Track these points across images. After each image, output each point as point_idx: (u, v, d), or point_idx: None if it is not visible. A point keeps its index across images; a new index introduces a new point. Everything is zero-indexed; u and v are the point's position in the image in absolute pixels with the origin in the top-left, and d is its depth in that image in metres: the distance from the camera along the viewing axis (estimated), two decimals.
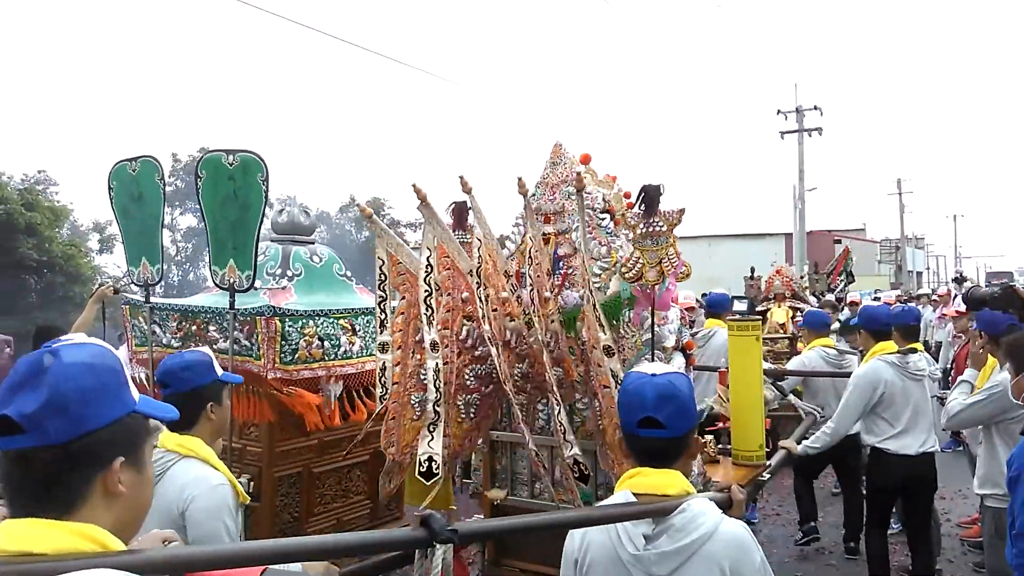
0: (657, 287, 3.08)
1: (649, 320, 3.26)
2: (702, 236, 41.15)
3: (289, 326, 4.13)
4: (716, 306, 6.93)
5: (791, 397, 5.45)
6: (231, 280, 4.08)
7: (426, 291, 3.01)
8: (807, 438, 4.88)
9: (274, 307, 4.15)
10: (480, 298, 3.04)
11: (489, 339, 2.99)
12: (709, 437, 4.26)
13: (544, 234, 3.55)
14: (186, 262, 38.28)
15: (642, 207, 3.10)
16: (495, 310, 3.17)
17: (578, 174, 3.45)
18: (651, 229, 3.06)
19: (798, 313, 8.05)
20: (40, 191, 28.34)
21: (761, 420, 4.15)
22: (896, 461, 4.66)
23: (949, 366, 9.41)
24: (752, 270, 9.42)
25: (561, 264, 3.57)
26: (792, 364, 5.89)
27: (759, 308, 8.71)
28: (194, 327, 4.49)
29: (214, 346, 4.25)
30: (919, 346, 5.07)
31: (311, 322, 4.26)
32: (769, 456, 4.23)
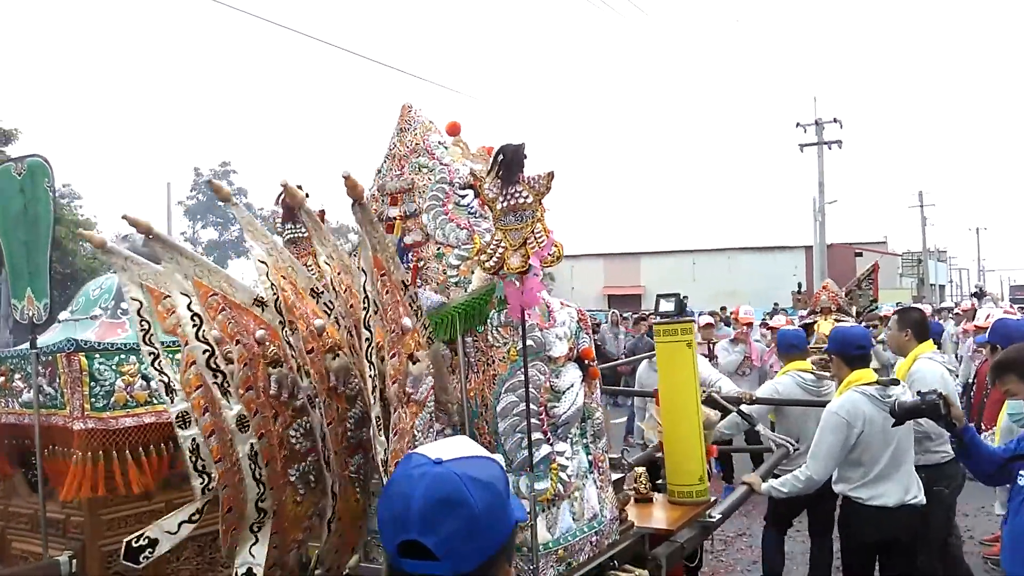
0: (524, 276, 2.52)
1: (531, 322, 2.76)
2: (722, 249, 43.09)
3: (100, 363, 3.35)
4: None
5: (761, 428, 5.15)
6: (30, 313, 3.54)
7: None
8: (778, 475, 4.44)
9: (76, 340, 3.37)
10: (285, 339, 2.55)
11: (309, 397, 2.57)
12: (640, 469, 3.92)
13: (388, 219, 3.09)
14: None
15: (499, 174, 2.61)
16: (310, 350, 2.62)
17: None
18: (513, 202, 2.56)
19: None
20: (64, 204, 30.94)
21: (700, 447, 3.72)
22: (870, 514, 4.05)
23: (971, 380, 9.62)
24: (800, 285, 11.49)
25: (409, 256, 3.06)
26: (763, 390, 5.51)
27: (805, 321, 9.63)
28: (1, 378, 3.71)
29: (19, 399, 3.61)
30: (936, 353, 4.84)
31: (131, 357, 3.44)
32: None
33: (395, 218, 3.11)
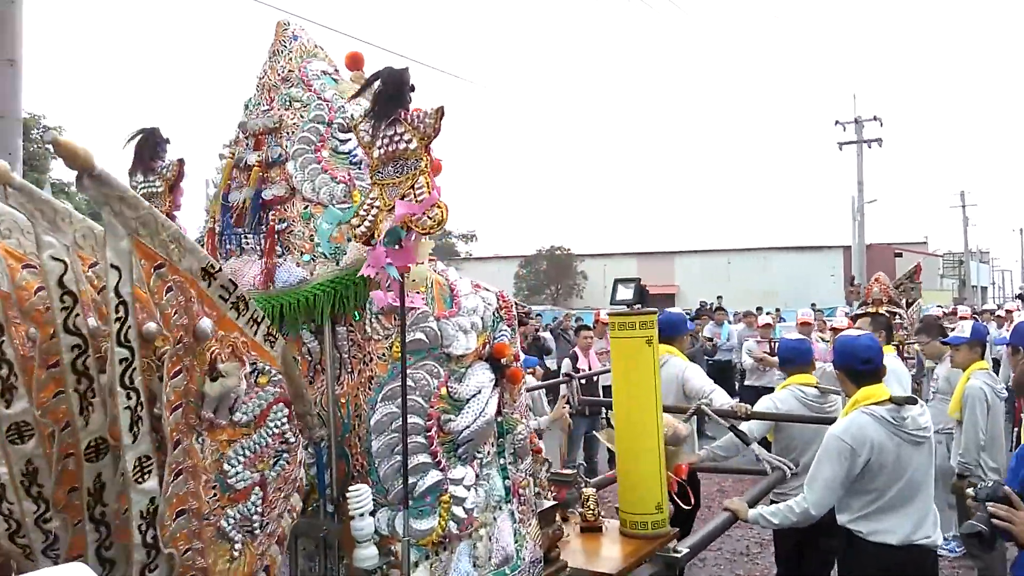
0: (402, 243, 1.96)
1: (422, 309, 2.14)
2: (757, 248, 42.41)
3: None
4: (668, 328, 5.38)
5: (755, 447, 4.39)
6: None
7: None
8: (775, 501, 3.83)
9: None
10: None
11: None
12: (590, 491, 3.26)
13: (246, 164, 2.43)
14: None
15: (375, 110, 2.03)
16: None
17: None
18: (392, 148, 1.99)
19: (896, 317, 10.12)
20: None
21: (659, 468, 3.05)
22: (870, 551, 3.38)
23: (1008, 385, 9.60)
24: (852, 279, 11.37)
25: (269, 215, 2.38)
26: (761, 405, 4.76)
27: (856, 312, 9.75)
28: None
29: None
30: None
31: None
32: (685, 521, 3.36)
33: (254, 166, 2.41)
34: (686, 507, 3.65)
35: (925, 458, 3.41)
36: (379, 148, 2.02)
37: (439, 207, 1.92)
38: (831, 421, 3.81)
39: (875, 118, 28.35)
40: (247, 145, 2.48)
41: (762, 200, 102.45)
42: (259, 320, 1.80)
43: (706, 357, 13.62)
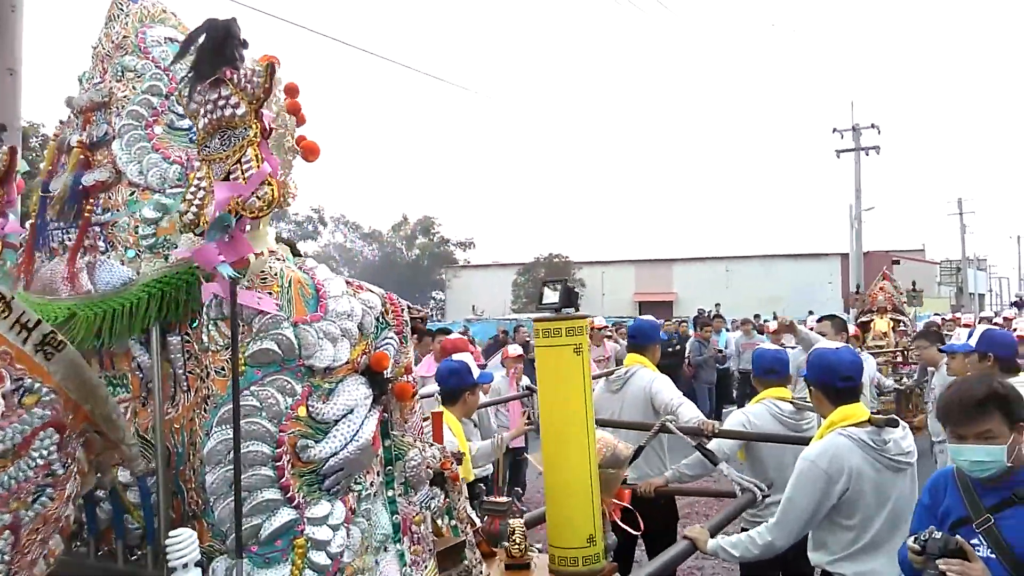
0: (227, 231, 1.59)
1: (274, 314, 1.76)
2: (756, 256, 41.96)
3: None
4: (639, 336, 5.10)
5: (723, 467, 3.92)
6: None
7: None
8: (745, 529, 3.41)
9: None
10: None
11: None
12: (516, 522, 2.85)
13: (68, 145, 2.08)
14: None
15: (193, 68, 1.68)
16: None
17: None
18: (217, 115, 1.65)
19: (900, 324, 10.16)
20: None
21: (591, 494, 2.65)
22: None
23: None
24: (858, 287, 11.35)
25: (86, 203, 2.00)
26: (732, 421, 4.35)
27: (863, 319, 10.06)
28: None
29: None
30: None
31: None
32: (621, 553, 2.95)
33: (77, 145, 2.02)
34: (635, 533, 3.28)
35: (908, 486, 3.02)
36: (203, 116, 1.65)
37: (269, 183, 1.55)
38: (807, 441, 3.41)
39: (873, 126, 28.25)
40: (76, 125, 2.09)
41: (760, 207, 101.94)
42: (30, 326, 1.41)
43: (717, 365, 13.39)
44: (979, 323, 16.66)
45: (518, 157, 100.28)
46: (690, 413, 4.37)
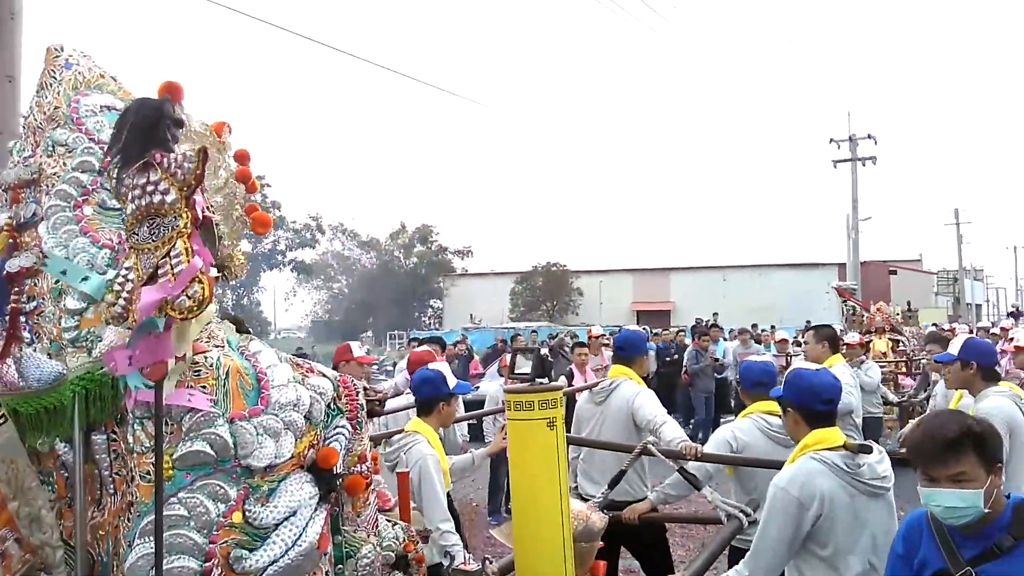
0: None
1: (199, 413, 1.59)
2: (753, 265, 41.86)
3: None
4: (626, 347, 4.87)
5: (707, 492, 3.70)
6: None
7: None
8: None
9: None
10: None
11: None
12: (492, 567, 2.71)
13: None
14: (240, 287, 40.80)
15: (121, 151, 1.55)
16: None
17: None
18: (145, 201, 1.49)
19: (899, 344, 10.32)
20: None
21: (565, 573, 2.47)
22: None
23: None
24: (854, 309, 11.42)
25: (11, 289, 1.81)
26: (717, 437, 4.05)
27: (865, 340, 10.34)
28: None
29: None
30: None
31: None
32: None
33: (3, 228, 1.83)
34: None
35: (886, 513, 2.86)
36: (131, 202, 1.50)
37: (200, 280, 1.38)
38: None
39: (869, 136, 28.42)
40: (5, 202, 1.91)
41: (757, 217, 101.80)
42: None
43: (715, 375, 13.29)
44: (976, 333, 16.77)
45: (517, 166, 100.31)
46: (672, 433, 4.17)
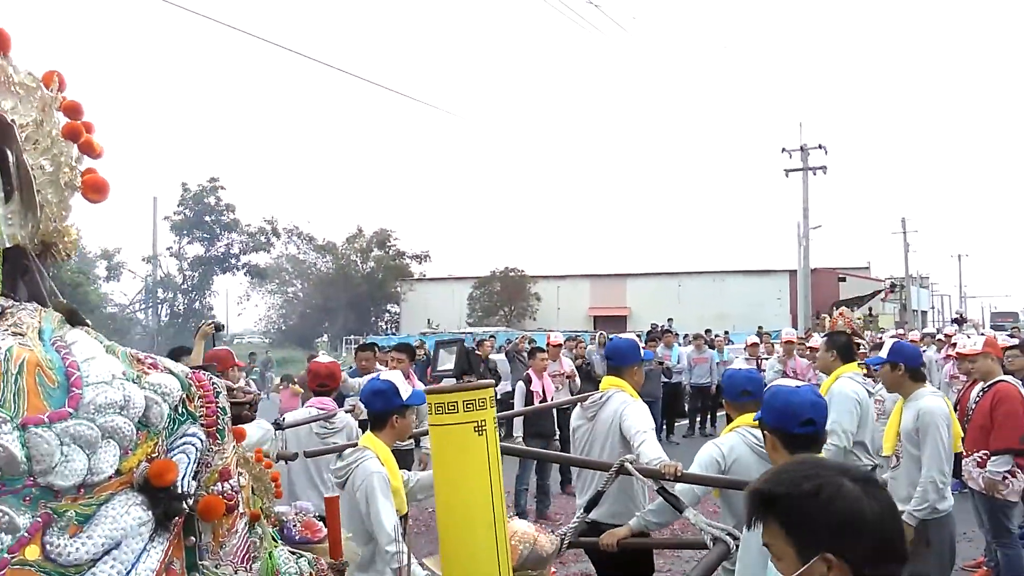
0: None
1: None
2: (708, 272, 42.19)
3: None
4: (616, 357, 4.55)
5: (690, 513, 3.43)
6: None
7: None
8: None
9: None
10: None
11: None
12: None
13: None
14: (192, 291, 39.59)
15: None
16: None
17: None
18: None
19: (859, 347, 10.67)
20: None
21: None
22: None
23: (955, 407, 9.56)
24: (818, 313, 11.65)
25: None
26: (703, 455, 3.68)
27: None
28: None
29: None
30: None
31: None
32: None
33: None
34: None
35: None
36: None
37: None
38: None
39: (820, 146, 28.70)
40: None
41: (711, 224, 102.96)
42: None
43: (663, 379, 13.16)
44: (922, 339, 17.13)
45: (476, 171, 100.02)
46: (651, 452, 3.80)
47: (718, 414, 14.10)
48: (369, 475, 3.12)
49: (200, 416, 1.48)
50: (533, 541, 2.58)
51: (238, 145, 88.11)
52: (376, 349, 7.68)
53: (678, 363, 14.39)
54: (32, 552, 1.22)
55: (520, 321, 38.78)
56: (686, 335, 18.74)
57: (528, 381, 8.44)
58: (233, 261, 38.73)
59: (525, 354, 12.18)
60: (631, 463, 3.63)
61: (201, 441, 1.45)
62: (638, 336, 18.20)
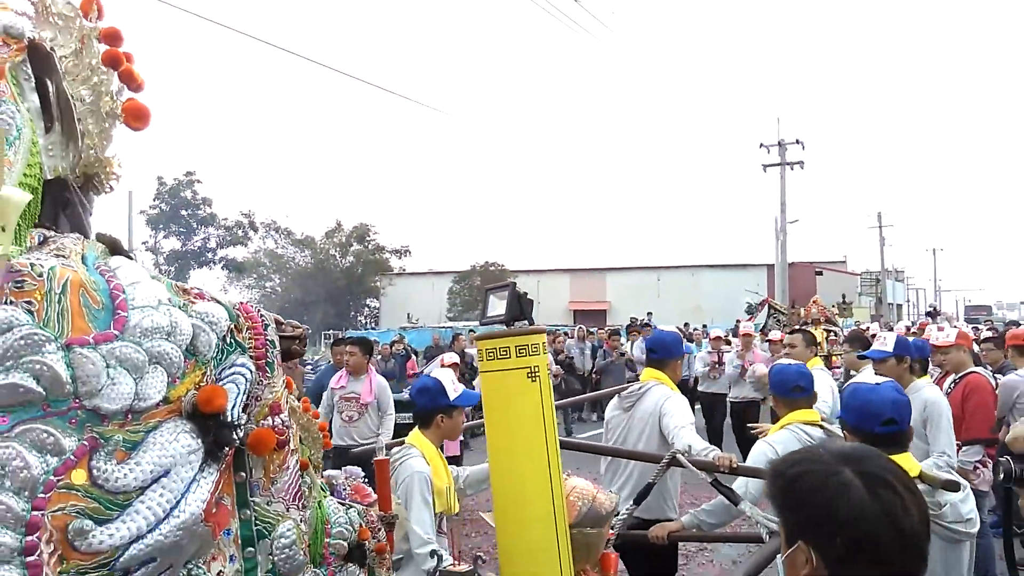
0: None
1: (16, 328, 1.11)
2: (686, 266, 42.51)
3: None
4: (659, 350, 4.39)
5: (746, 506, 3.30)
6: None
7: None
8: None
9: None
10: None
11: None
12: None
13: None
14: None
15: None
16: None
17: None
18: None
19: (832, 334, 10.76)
20: None
21: (560, 563, 2.06)
22: None
23: None
24: (793, 303, 11.79)
25: None
26: (756, 453, 3.63)
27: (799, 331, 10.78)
28: None
29: None
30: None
31: None
32: None
33: None
34: None
35: (964, 565, 2.50)
36: None
37: None
38: None
39: (797, 141, 28.61)
40: None
41: (690, 219, 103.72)
42: None
43: (628, 372, 13.27)
44: (904, 332, 17.40)
45: (455, 166, 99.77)
46: (699, 445, 3.72)
47: (695, 408, 14.23)
48: (411, 474, 3.04)
49: (249, 347, 1.42)
50: (592, 498, 2.50)
51: (215, 139, 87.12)
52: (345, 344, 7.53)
53: None
54: (79, 476, 1.16)
55: None
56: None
57: None
58: (210, 255, 38.27)
59: None
60: (683, 455, 3.52)
61: (251, 372, 1.41)
62: (619, 328, 18.30)
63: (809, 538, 1.29)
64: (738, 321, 18.65)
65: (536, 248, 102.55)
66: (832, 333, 11.32)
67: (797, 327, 10.98)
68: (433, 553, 2.56)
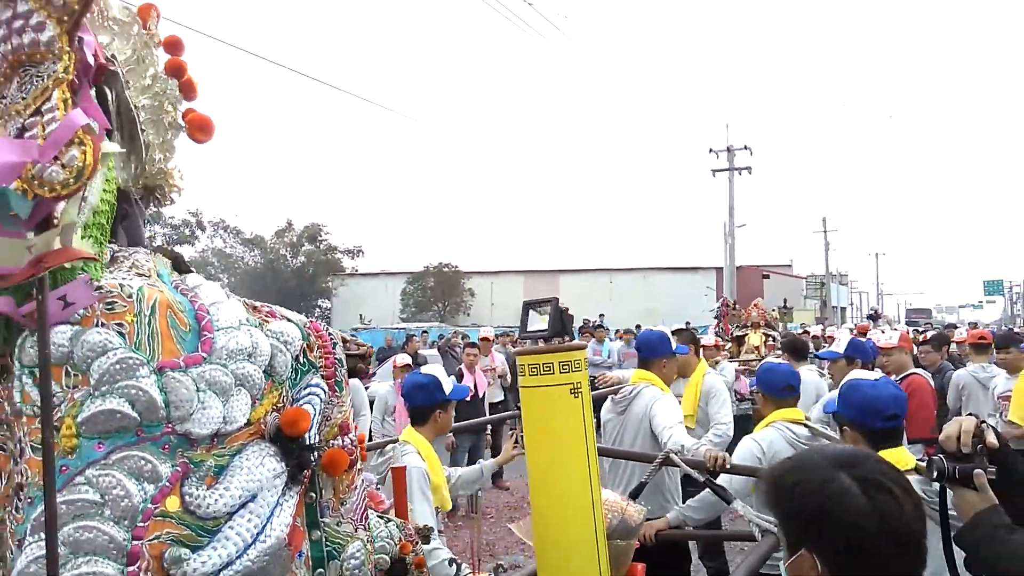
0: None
1: (111, 354, 1.11)
2: (638, 268, 43.00)
3: None
4: (644, 349, 4.44)
5: (738, 505, 3.31)
6: None
7: None
8: None
9: None
10: None
11: None
12: None
13: None
14: None
15: None
16: None
17: None
18: (15, 45, 1.01)
19: (770, 339, 10.83)
20: None
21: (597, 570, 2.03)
22: None
23: None
24: (735, 303, 11.95)
25: None
26: (742, 450, 3.64)
27: (737, 334, 10.73)
28: None
29: None
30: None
31: None
32: None
33: None
34: None
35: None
36: None
37: (81, 142, 0.92)
38: None
39: (745, 147, 29.19)
40: None
41: (641, 222, 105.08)
42: None
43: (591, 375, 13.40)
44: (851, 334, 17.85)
45: (409, 167, 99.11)
46: (689, 443, 3.75)
47: None
48: (408, 470, 3.04)
49: (320, 367, 1.41)
50: (622, 511, 2.52)
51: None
52: None
53: (608, 357, 14.69)
54: (172, 503, 1.14)
55: (454, 317, 38.63)
56: (617, 330, 19.09)
57: (460, 376, 8.41)
58: None
59: (458, 350, 12.16)
60: (677, 454, 3.54)
61: (324, 392, 1.39)
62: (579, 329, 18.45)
63: (811, 545, 1.31)
64: (688, 323, 18.96)
65: (490, 249, 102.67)
66: (771, 338, 11.32)
67: (745, 332, 11.27)
68: (451, 562, 2.55)
